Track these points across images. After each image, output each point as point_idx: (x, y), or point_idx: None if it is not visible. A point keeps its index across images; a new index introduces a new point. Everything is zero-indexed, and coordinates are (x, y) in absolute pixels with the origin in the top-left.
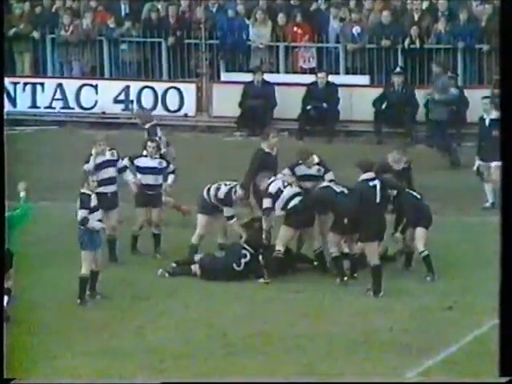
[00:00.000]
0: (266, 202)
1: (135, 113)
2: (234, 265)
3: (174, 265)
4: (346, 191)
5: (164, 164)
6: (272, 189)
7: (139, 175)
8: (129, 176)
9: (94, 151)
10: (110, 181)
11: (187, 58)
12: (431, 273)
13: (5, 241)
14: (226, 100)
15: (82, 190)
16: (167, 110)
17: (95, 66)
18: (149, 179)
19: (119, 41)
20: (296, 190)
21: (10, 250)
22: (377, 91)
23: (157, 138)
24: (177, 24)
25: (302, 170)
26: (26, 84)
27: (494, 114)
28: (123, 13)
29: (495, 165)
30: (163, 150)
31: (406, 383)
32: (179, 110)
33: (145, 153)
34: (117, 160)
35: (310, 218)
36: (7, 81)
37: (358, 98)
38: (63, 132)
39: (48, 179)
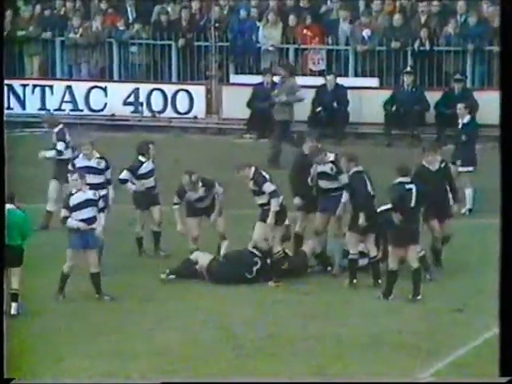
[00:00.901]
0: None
1: (43, 118)
2: (247, 273)
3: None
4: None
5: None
6: None
7: (142, 181)
8: (132, 187)
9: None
10: (100, 186)
11: (197, 61)
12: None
13: (5, 241)
14: (236, 102)
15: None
16: (177, 112)
17: (104, 68)
18: (150, 182)
19: (129, 43)
20: None
21: (21, 246)
22: (386, 93)
23: (66, 141)
24: (187, 26)
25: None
26: (35, 86)
27: (466, 119)
28: (131, 16)
29: (467, 170)
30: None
31: (405, 383)
32: (189, 112)
33: (143, 159)
34: (105, 169)
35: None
36: (16, 83)
37: (368, 100)
38: (72, 134)
39: None
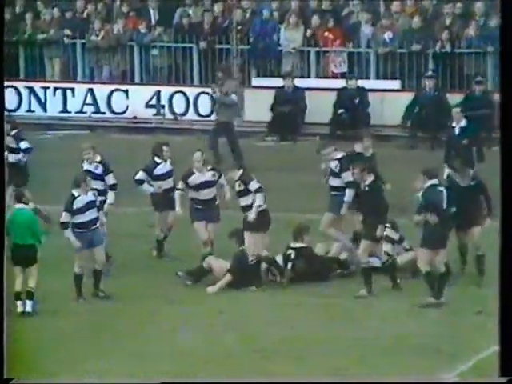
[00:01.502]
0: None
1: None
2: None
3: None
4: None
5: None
6: None
7: (159, 182)
8: (149, 189)
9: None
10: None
11: (219, 63)
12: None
13: (5, 241)
14: (258, 105)
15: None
16: (198, 114)
17: (126, 70)
18: (168, 183)
19: (150, 46)
20: None
21: (35, 246)
22: (408, 96)
23: (20, 145)
24: (209, 29)
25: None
26: (56, 89)
27: (464, 123)
28: (154, 18)
29: None
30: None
31: (405, 383)
32: (211, 114)
33: (159, 160)
34: (102, 174)
35: None
36: (37, 85)
37: (389, 102)
38: (94, 136)
39: None
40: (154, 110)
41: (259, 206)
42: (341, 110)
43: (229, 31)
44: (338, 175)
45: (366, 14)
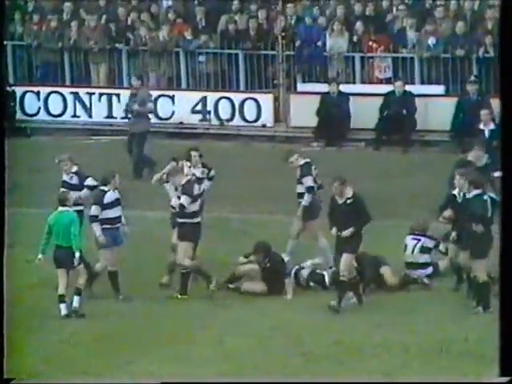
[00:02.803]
0: None
1: None
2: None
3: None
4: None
5: (205, 172)
6: None
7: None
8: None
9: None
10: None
11: (264, 69)
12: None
13: (4, 241)
14: (303, 110)
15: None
16: (245, 120)
17: (172, 77)
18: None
19: (196, 53)
20: None
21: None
22: (452, 101)
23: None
24: (255, 35)
25: None
26: (101, 94)
27: (493, 125)
28: (200, 25)
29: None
30: None
31: (404, 383)
32: (257, 120)
33: (188, 163)
34: (78, 185)
35: None
36: (82, 91)
37: (433, 107)
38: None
39: (123, 188)
40: (199, 116)
41: (180, 203)
42: (387, 112)
43: (274, 37)
44: (300, 182)
45: (410, 19)
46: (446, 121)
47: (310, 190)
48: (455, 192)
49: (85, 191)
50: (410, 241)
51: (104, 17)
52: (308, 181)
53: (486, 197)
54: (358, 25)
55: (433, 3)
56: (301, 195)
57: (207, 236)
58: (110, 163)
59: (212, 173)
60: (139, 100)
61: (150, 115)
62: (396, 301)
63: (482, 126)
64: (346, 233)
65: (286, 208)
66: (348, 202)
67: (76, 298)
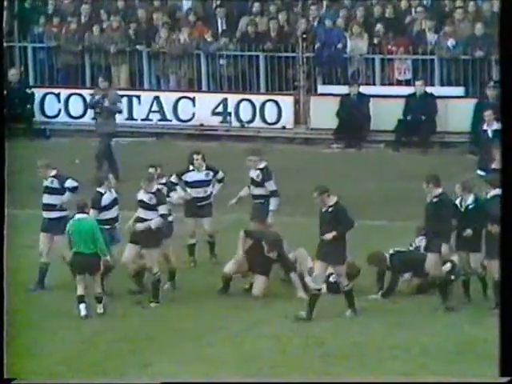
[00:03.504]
0: None
1: None
2: None
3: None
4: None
5: (211, 174)
6: None
7: (188, 189)
8: (181, 193)
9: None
10: (51, 207)
11: (285, 71)
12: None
13: (4, 242)
14: (324, 112)
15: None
16: (265, 122)
17: (193, 79)
18: (198, 192)
19: (216, 55)
20: None
21: (98, 254)
22: (471, 102)
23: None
24: (275, 37)
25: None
26: (122, 96)
27: (496, 125)
28: (221, 27)
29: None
30: None
31: (405, 383)
32: (277, 122)
33: (191, 167)
34: (60, 189)
35: None
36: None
37: (453, 109)
38: (160, 143)
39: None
40: (220, 118)
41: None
42: (409, 117)
43: (295, 39)
44: (260, 184)
45: (429, 21)
46: (465, 122)
47: (275, 193)
48: (457, 202)
49: (67, 194)
50: (421, 242)
51: (124, 19)
52: (271, 185)
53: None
54: (378, 27)
55: (451, 4)
56: (258, 197)
57: (226, 237)
58: (130, 165)
59: (220, 175)
60: (108, 101)
61: (118, 116)
62: (415, 302)
63: (485, 127)
64: (328, 236)
65: (305, 210)
66: (330, 209)
67: (99, 305)
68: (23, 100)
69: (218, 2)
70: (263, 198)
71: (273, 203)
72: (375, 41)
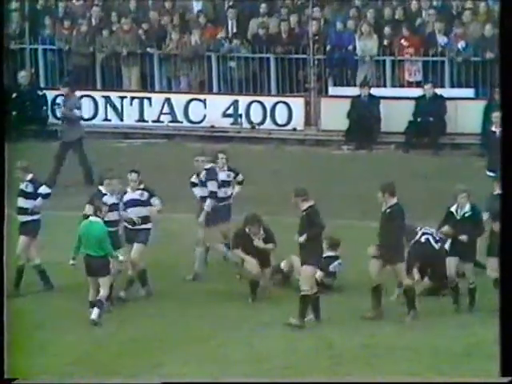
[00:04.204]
0: None
1: None
2: None
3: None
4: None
5: (232, 175)
6: None
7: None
8: (199, 194)
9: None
10: (24, 210)
11: (295, 73)
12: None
13: (4, 240)
14: (334, 114)
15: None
16: (276, 123)
17: (204, 81)
18: (219, 192)
19: (227, 57)
20: None
21: (107, 257)
22: (481, 104)
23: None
24: (286, 39)
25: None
26: (133, 98)
27: None
28: (231, 29)
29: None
30: None
31: (406, 383)
32: (288, 123)
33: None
34: (33, 193)
35: None
36: (114, 95)
37: (463, 110)
38: (170, 145)
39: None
40: (231, 119)
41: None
42: (419, 119)
43: (305, 41)
44: (204, 184)
45: (439, 23)
46: (475, 124)
47: (212, 194)
48: (453, 209)
49: (39, 200)
50: (423, 238)
51: (135, 21)
52: (212, 185)
53: None
54: (388, 28)
55: (460, 5)
56: (204, 199)
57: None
58: (140, 167)
59: (240, 177)
60: (68, 106)
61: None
62: (426, 303)
63: (493, 128)
64: (300, 239)
65: None
66: (304, 213)
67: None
68: (34, 102)
69: (231, 3)
70: (203, 199)
71: (207, 203)
72: (386, 42)
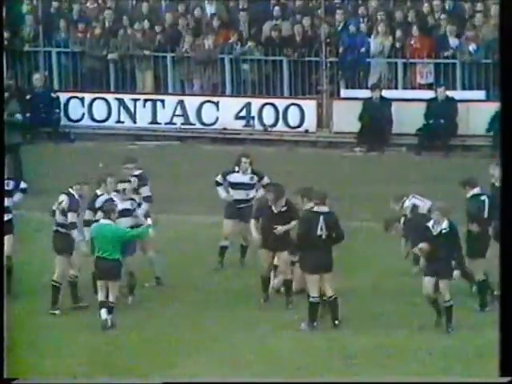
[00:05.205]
0: None
1: None
2: None
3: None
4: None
5: (255, 179)
6: None
7: (231, 191)
8: (222, 194)
9: None
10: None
11: (308, 75)
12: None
13: (4, 242)
14: (346, 116)
15: None
16: (288, 126)
17: (217, 83)
18: (240, 194)
19: (240, 59)
20: None
21: (119, 260)
22: (493, 106)
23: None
24: (299, 42)
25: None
26: (146, 100)
27: None
28: (244, 32)
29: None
30: None
31: (406, 383)
32: (300, 126)
33: (237, 168)
34: (12, 191)
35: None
36: (127, 97)
37: (475, 112)
38: (183, 147)
39: (164, 192)
40: (243, 122)
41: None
42: (431, 121)
43: (318, 44)
44: (136, 191)
45: (450, 25)
46: (486, 126)
47: (147, 199)
48: (429, 224)
49: (18, 194)
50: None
51: (149, 24)
52: (145, 191)
53: (483, 197)
54: (400, 31)
55: (472, 7)
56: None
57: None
58: (153, 168)
59: (265, 180)
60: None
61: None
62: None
63: None
64: (280, 229)
65: None
66: (282, 209)
67: (107, 315)
68: (48, 104)
69: (246, 6)
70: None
71: (143, 207)
72: (397, 45)
